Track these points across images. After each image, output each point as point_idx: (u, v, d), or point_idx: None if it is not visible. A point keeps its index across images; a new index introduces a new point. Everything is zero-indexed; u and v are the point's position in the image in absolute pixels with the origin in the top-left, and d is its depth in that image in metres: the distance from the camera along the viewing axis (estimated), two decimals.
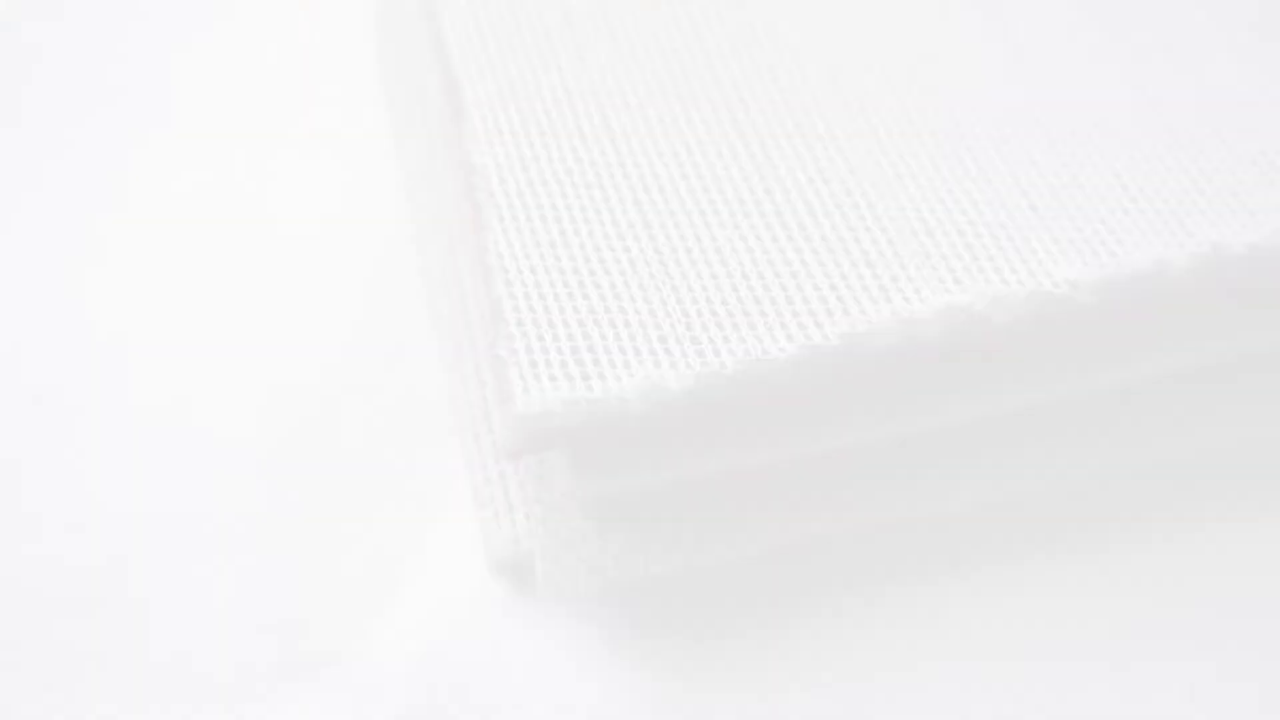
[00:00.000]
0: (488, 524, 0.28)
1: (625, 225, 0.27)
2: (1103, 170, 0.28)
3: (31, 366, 0.31)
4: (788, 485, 0.28)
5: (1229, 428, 0.29)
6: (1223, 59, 0.30)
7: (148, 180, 0.34)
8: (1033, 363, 0.28)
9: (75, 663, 0.27)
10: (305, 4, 0.37)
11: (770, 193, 0.27)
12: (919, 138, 0.28)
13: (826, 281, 0.26)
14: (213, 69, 0.36)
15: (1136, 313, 0.27)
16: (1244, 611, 0.29)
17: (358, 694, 0.27)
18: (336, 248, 0.33)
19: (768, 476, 0.28)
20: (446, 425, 0.30)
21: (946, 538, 0.29)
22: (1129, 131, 0.28)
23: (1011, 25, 0.30)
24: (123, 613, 0.28)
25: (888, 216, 0.27)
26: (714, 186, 0.28)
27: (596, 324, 0.25)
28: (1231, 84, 0.29)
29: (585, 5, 0.30)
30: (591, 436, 0.25)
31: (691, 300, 0.26)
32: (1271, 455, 0.30)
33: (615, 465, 0.26)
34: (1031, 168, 0.28)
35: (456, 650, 0.28)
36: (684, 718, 0.27)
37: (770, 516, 0.28)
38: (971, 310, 0.25)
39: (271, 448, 0.30)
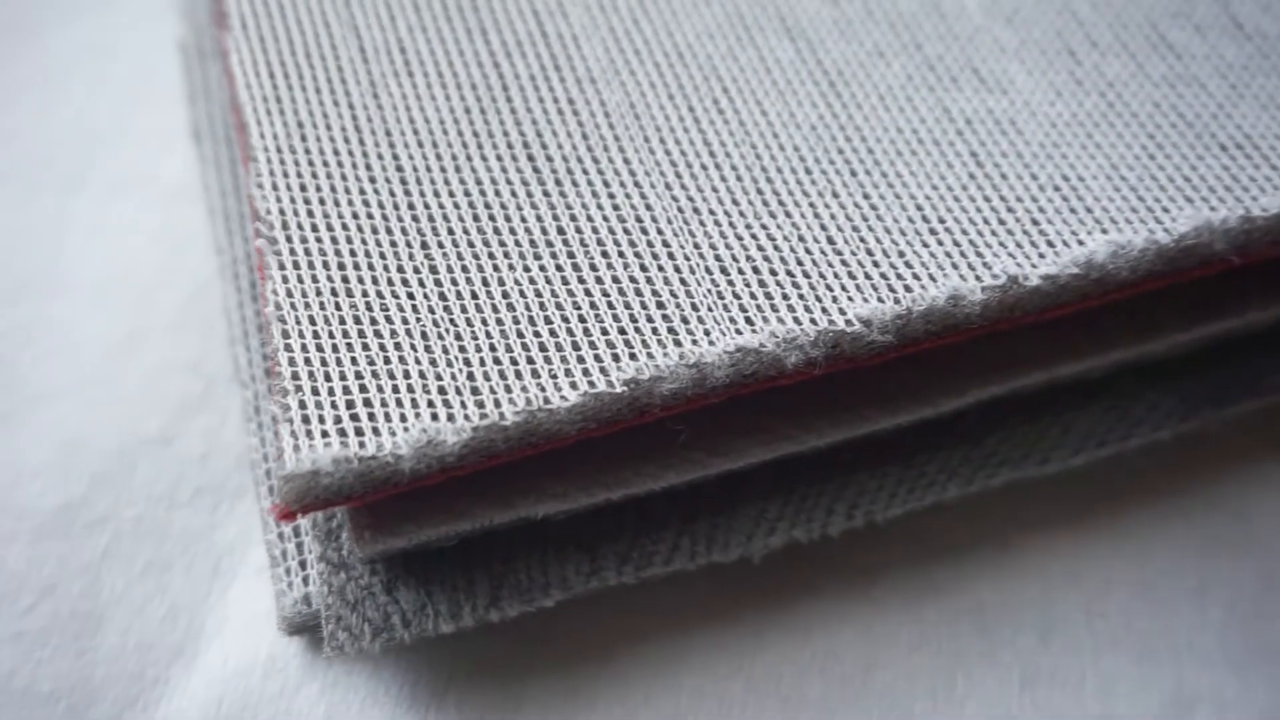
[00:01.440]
0: (280, 583, 0.27)
1: (411, 270, 0.26)
2: (905, 200, 0.27)
3: None
4: (585, 535, 0.27)
5: (1039, 460, 0.29)
6: (1028, 77, 0.29)
7: None
8: (830, 402, 0.27)
9: None
10: (113, 38, 0.36)
11: (564, 232, 0.27)
12: (720, 170, 0.28)
13: (615, 325, 0.26)
14: (10, 108, 0.35)
15: (933, 346, 0.26)
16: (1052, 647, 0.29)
17: None
18: (138, 294, 0.32)
19: (563, 526, 0.27)
20: (248, 479, 0.30)
21: (752, 582, 0.29)
22: (934, 159, 0.28)
23: (822, 51, 0.30)
24: None
25: (682, 255, 0.27)
26: (505, 227, 0.27)
27: (375, 376, 0.25)
28: (1037, 102, 0.29)
29: (382, 39, 0.30)
30: (369, 493, 0.24)
31: (475, 348, 0.25)
32: (1077, 481, 0.30)
33: (400, 521, 0.25)
34: (833, 200, 0.28)
35: (251, 715, 0.27)
36: None
37: (568, 568, 0.27)
38: (761, 352, 0.25)
39: (63, 503, 0.29)
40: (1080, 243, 0.27)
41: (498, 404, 0.24)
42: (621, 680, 0.28)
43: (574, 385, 0.25)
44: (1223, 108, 0.29)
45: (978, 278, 0.26)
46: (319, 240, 0.27)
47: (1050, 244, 0.27)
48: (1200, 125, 0.29)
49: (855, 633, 0.29)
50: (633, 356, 0.25)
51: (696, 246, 0.27)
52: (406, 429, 0.24)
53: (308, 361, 0.25)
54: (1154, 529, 0.30)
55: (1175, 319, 0.29)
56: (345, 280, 0.26)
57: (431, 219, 0.27)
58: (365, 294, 0.26)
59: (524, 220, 0.27)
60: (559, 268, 0.26)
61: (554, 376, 0.25)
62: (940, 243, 0.27)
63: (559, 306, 0.26)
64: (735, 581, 0.29)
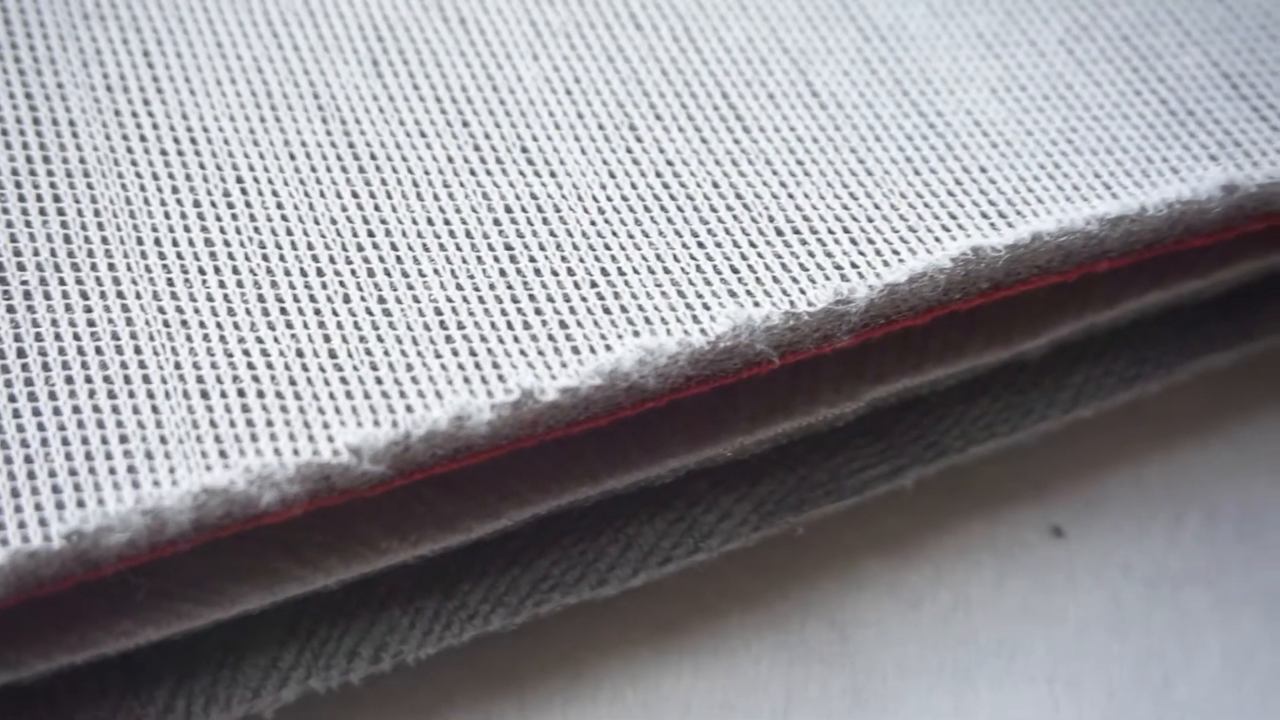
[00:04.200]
0: None
1: None
2: (425, 303, 0.25)
3: None
4: (60, 702, 0.25)
5: (595, 583, 0.27)
6: (580, 157, 0.27)
7: None
8: (341, 535, 0.25)
9: None
10: None
11: (25, 354, 0.24)
12: (220, 275, 0.25)
13: (66, 466, 0.23)
14: None
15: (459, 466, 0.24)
16: None
17: None
18: None
19: (35, 692, 0.24)
20: None
21: None
22: (464, 253, 0.26)
23: (357, 133, 0.28)
24: None
25: (159, 377, 0.24)
26: None
27: None
28: (586, 185, 0.27)
29: None
30: None
31: None
32: (659, 593, 0.28)
33: None
34: (344, 305, 0.25)
35: None
36: None
37: None
38: (230, 492, 0.22)
39: None
40: (609, 348, 0.25)
41: None
42: None
43: (4, 542, 0.22)
44: (785, 186, 0.27)
45: (490, 393, 0.24)
46: None
47: (576, 350, 0.25)
48: (758, 207, 0.27)
49: None
50: (80, 504, 0.22)
51: (178, 366, 0.24)
52: None
53: None
54: (743, 642, 0.28)
55: (739, 420, 0.27)
56: None
57: None
58: None
59: None
60: (11, 398, 0.24)
61: None
62: (456, 352, 0.24)
63: (4, 445, 0.23)
64: None
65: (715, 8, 0.30)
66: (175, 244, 0.26)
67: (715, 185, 0.27)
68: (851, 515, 0.29)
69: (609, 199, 0.27)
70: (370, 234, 0.26)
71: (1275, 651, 0.28)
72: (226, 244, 0.26)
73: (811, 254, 0.26)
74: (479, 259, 0.26)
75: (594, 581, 0.27)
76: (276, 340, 0.24)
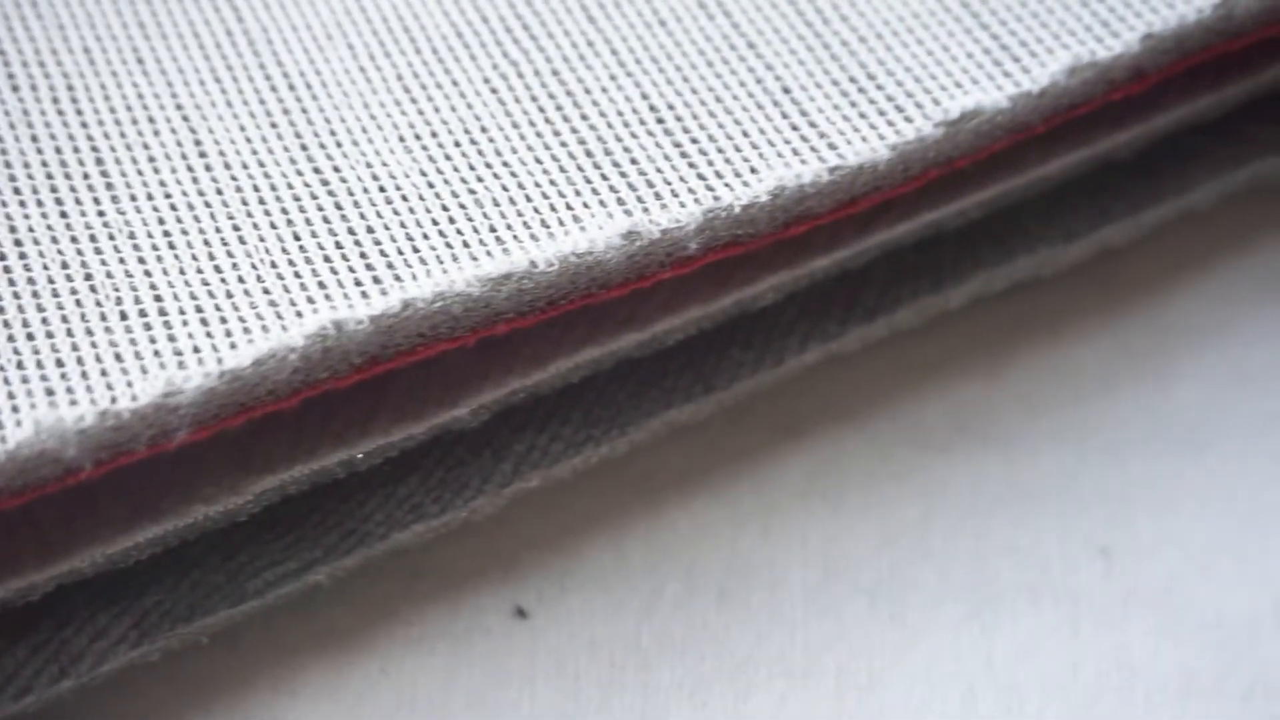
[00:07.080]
0: None
1: None
2: None
3: None
4: None
5: None
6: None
7: None
8: None
9: None
10: None
11: None
12: None
13: None
14: None
15: None
16: None
17: None
18: None
19: None
20: None
21: None
22: None
23: None
24: None
25: None
26: None
27: None
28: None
29: None
30: None
31: None
32: None
33: None
34: None
35: None
36: None
37: None
38: None
39: None
40: None
41: None
42: None
43: None
44: (145, 262, 0.24)
45: None
46: None
47: None
48: (107, 289, 0.24)
49: None
50: None
51: None
52: None
53: None
54: None
55: (96, 528, 0.24)
56: None
57: None
58: None
59: None
60: None
61: None
62: None
63: None
64: None
65: (108, 64, 0.27)
66: None
67: (65, 267, 0.24)
68: (295, 611, 0.27)
69: None
70: None
71: None
72: None
73: (152, 339, 0.23)
74: None
75: None
76: None
